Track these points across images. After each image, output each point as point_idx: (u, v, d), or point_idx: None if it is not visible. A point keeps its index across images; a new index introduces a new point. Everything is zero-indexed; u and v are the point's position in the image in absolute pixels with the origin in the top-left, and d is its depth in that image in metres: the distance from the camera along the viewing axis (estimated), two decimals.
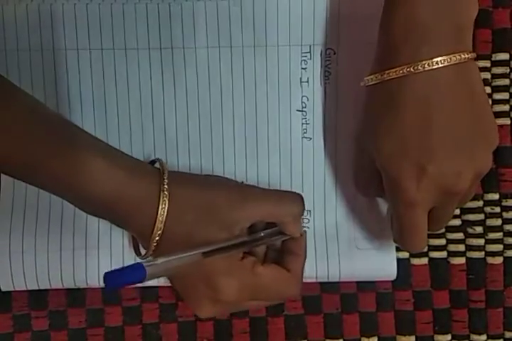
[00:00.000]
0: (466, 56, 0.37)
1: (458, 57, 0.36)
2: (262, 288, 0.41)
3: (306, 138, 0.46)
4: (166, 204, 0.39)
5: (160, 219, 0.39)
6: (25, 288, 0.46)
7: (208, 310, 0.41)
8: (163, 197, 0.39)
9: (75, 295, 0.47)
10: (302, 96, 0.46)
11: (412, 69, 0.37)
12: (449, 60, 0.36)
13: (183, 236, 0.39)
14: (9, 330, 0.47)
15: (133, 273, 0.33)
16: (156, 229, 0.39)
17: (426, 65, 0.36)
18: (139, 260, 0.44)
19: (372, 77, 0.39)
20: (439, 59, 0.36)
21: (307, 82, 0.46)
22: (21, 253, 0.45)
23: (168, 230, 0.39)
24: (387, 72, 0.38)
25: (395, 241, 0.43)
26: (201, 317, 0.42)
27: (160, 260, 0.35)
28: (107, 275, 0.32)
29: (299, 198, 0.43)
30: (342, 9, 0.45)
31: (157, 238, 0.39)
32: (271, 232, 0.43)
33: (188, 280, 0.40)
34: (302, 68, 0.46)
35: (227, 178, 0.44)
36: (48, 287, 0.46)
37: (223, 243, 0.39)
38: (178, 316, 0.48)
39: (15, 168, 0.37)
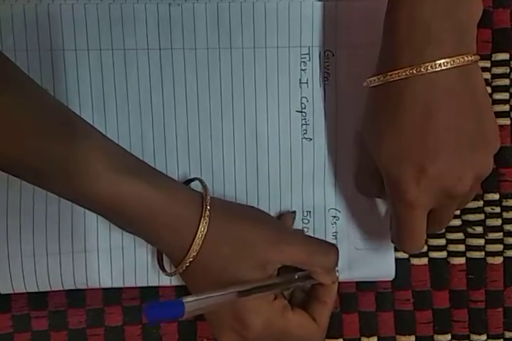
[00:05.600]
0: (470, 58, 0.37)
1: (461, 59, 0.36)
2: (286, 332, 0.41)
3: (306, 138, 0.46)
4: (205, 230, 0.39)
5: (197, 242, 0.39)
6: (24, 291, 0.46)
7: None
8: (203, 223, 0.39)
9: (75, 295, 0.47)
10: (302, 97, 0.46)
11: (414, 71, 0.36)
12: (452, 63, 0.36)
13: (217, 265, 0.40)
14: (9, 330, 0.47)
15: (173, 308, 0.33)
16: (190, 252, 0.39)
17: (429, 67, 0.36)
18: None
19: (374, 78, 0.39)
20: (442, 61, 0.36)
21: (306, 83, 0.46)
22: (20, 257, 0.45)
23: (203, 256, 0.40)
24: (389, 73, 0.37)
25: (392, 242, 0.42)
26: None
27: (196, 297, 0.35)
28: (148, 308, 0.32)
29: (333, 250, 0.43)
30: (339, 12, 0.45)
31: (190, 260, 0.40)
32: (304, 275, 0.43)
33: (218, 312, 0.41)
34: (301, 69, 0.46)
35: (267, 214, 0.45)
36: (48, 289, 0.46)
37: (258, 283, 0.39)
38: None
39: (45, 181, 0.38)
